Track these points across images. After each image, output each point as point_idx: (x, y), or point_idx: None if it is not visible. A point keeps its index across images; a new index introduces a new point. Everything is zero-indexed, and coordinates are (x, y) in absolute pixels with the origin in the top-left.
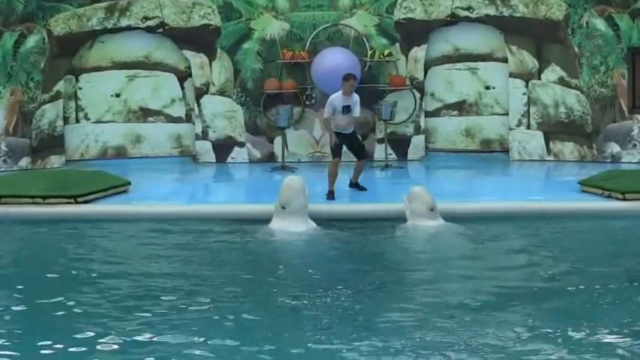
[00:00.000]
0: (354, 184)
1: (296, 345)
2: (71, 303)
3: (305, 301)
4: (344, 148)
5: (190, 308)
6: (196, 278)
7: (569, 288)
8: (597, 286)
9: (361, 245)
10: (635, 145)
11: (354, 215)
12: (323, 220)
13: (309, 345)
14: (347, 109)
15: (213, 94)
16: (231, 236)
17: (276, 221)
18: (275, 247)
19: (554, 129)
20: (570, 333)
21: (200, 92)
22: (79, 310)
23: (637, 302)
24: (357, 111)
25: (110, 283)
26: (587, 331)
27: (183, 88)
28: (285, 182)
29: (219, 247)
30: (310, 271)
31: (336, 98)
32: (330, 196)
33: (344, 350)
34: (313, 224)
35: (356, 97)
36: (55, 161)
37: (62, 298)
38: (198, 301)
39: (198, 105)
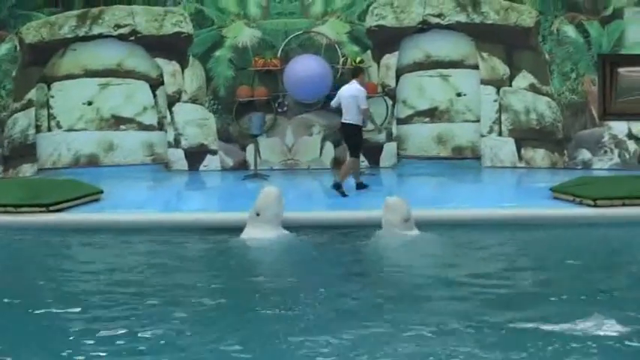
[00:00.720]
0: (360, 184)
1: (273, 352)
2: (38, 312)
3: (279, 310)
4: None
5: (164, 317)
6: (170, 287)
7: (542, 296)
8: (570, 295)
9: (332, 252)
10: (606, 152)
11: (326, 223)
12: (296, 227)
13: (285, 352)
14: None
15: (186, 101)
16: (205, 244)
17: (249, 229)
18: (248, 255)
19: (526, 135)
20: (542, 342)
21: (172, 100)
22: (45, 321)
23: (611, 310)
24: None
25: (80, 293)
26: (561, 341)
27: (155, 95)
28: (264, 190)
29: (192, 255)
30: (286, 277)
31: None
32: (341, 189)
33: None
34: (286, 232)
35: None
36: (27, 170)
37: (30, 308)
38: (173, 310)
39: (171, 113)
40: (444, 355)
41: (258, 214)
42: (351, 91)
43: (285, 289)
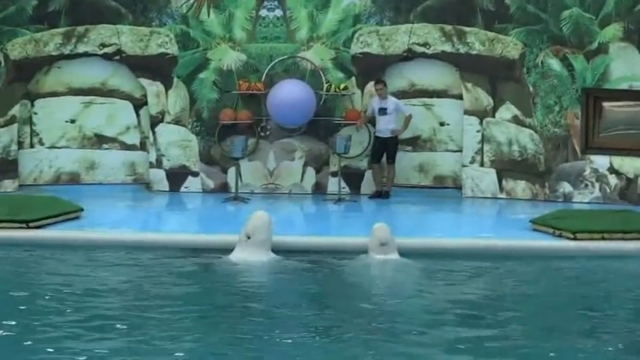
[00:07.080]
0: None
1: None
2: (9, 332)
3: (267, 336)
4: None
5: (142, 343)
6: (152, 309)
7: (512, 330)
8: (543, 332)
9: (318, 276)
10: (586, 185)
11: (312, 247)
12: (284, 251)
13: None
14: (383, 111)
15: (169, 122)
16: (191, 265)
17: (238, 251)
18: (238, 277)
19: (507, 167)
20: None
21: (155, 120)
22: (17, 340)
23: (582, 349)
24: (403, 110)
25: (55, 311)
26: None
27: (138, 115)
28: (255, 214)
29: (176, 277)
30: (273, 300)
31: (374, 101)
32: (376, 195)
33: None
34: (274, 255)
35: (392, 99)
36: (9, 186)
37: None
38: (152, 335)
39: (153, 133)
40: None
41: (248, 238)
42: None
43: (273, 313)
